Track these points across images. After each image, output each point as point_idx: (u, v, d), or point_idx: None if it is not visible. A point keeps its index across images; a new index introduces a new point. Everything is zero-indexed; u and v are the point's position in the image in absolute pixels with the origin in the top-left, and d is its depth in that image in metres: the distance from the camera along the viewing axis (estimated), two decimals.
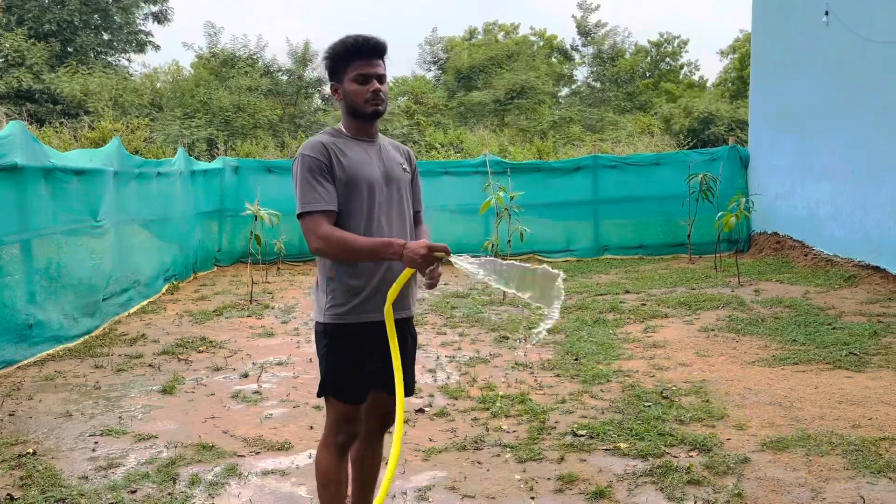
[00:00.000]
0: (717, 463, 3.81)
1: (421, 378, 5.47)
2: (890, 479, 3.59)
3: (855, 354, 5.67)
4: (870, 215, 8.55)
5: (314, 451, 4.02)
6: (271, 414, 4.73)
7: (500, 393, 5.06)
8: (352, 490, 2.95)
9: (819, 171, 9.75)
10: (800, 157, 10.31)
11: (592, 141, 18.91)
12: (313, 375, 5.55)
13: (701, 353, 5.98)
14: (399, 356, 2.61)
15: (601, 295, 8.60)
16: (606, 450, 4.06)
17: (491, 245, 9.34)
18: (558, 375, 5.49)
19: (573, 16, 36.51)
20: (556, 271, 2.41)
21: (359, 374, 2.65)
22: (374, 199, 2.62)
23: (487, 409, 4.73)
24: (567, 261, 11.41)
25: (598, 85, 35.60)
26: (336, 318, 2.62)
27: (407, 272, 2.54)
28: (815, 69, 9.86)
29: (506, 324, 7.19)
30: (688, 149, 21.10)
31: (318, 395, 2.75)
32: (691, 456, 3.94)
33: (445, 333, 6.90)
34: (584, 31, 35.42)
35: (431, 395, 5.07)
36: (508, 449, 4.08)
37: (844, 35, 8.91)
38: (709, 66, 73.37)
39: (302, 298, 8.75)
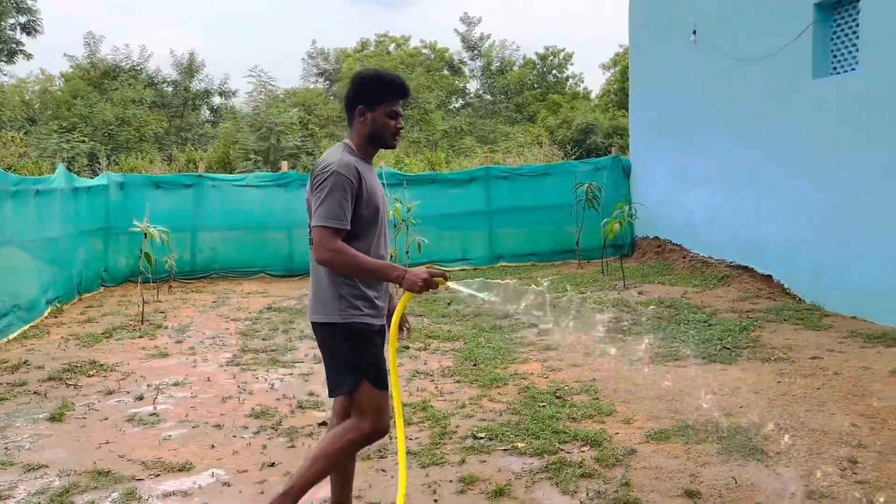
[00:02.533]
0: (607, 456, 4.07)
1: (323, 391, 5.50)
2: (758, 460, 3.95)
3: (728, 349, 6.15)
4: (739, 220, 9.25)
5: (217, 471, 4.02)
6: (170, 435, 4.65)
7: (403, 401, 5.16)
8: (336, 485, 3.18)
9: (694, 180, 10.45)
10: (676, 166, 11.02)
11: (484, 152, 19.38)
12: (212, 394, 5.48)
13: (590, 353, 6.31)
14: (396, 370, 2.95)
15: None
16: (505, 450, 4.25)
17: (389, 256, 9.44)
18: (458, 381, 5.65)
19: (456, 30, 37.21)
20: (543, 283, 2.68)
21: (383, 365, 2.92)
22: (381, 220, 2.93)
23: (391, 418, 4.82)
24: (464, 269, 11.68)
25: (489, 97, 36.44)
26: (353, 318, 2.84)
27: (407, 296, 2.82)
28: (687, 84, 10.58)
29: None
30: (574, 159, 21.96)
31: (336, 394, 3.00)
32: (583, 451, 4.18)
33: None
34: (470, 45, 36.19)
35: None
36: (412, 455, 4.19)
37: (711, 53, 9.62)
38: (593, 78, 76.51)
39: (196, 316, 8.55)
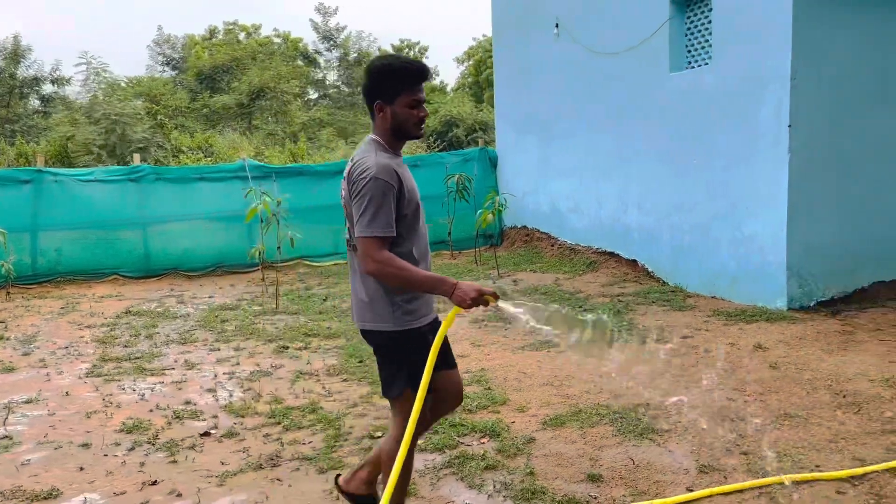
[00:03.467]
0: (508, 446, 4.05)
1: (201, 399, 5.14)
2: (651, 440, 4.08)
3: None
4: (603, 208, 9.63)
5: (90, 495, 3.61)
6: (28, 460, 4.14)
7: (290, 405, 4.92)
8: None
9: (560, 170, 10.77)
10: (542, 157, 11.30)
11: (345, 144, 19.10)
12: (72, 410, 4.96)
13: (476, 343, 6.32)
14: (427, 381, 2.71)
15: None
16: None
17: (258, 252, 9.03)
18: (346, 380, 5.47)
19: (311, 20, 36.47)
20: (605, 319, 2.56)
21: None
22: (421, 216, 2.84)
23: (279, 424, 4.58)
24: (336, 264, 11.39)
25: (347, 88, 35.98)
26: (407, 323, 2.78)
27: (455, 311, 2.69)
28: (551, 77, 10.86)
29: (284, 333, 7.00)
30: (438, 150, 22.09)
31: (390, 398, 2.89)
32: (483, 442, 4.15)
33: (219, 349, 6.54)
34: (326, 36, 35.56)
35: (215, 417, 4.78)
36: (307, 461, 3.98)
37: (574, 46, 9.92)
38: (447, 71, 77.63)
39: (44, 325, 7.76)
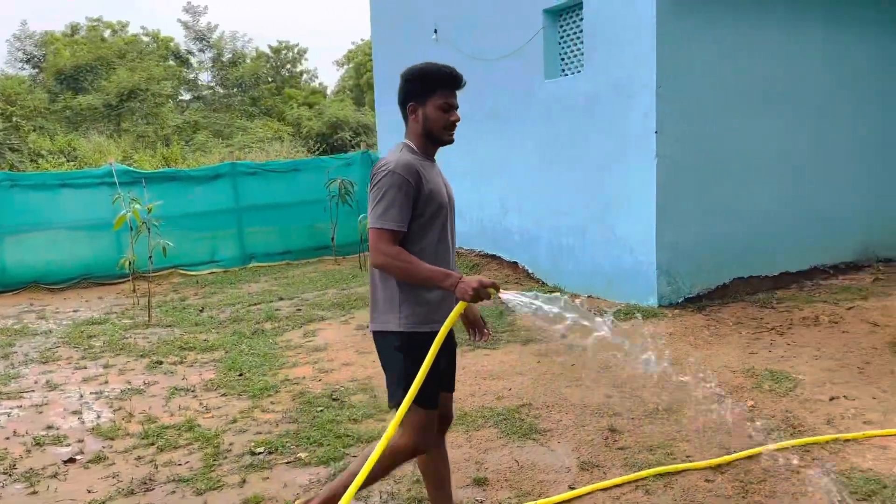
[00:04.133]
0: None
1: (64, 422, 4.79)
2: (534, 440, 4.17)
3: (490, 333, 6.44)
4: (484, 211, 9.78)
5: None
6: None
7: (165, 423, 4.67)
8: (433, 495, 3.05)
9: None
10: None
11: (222, 147, 18.46)
12: None
13: (361, 350, 6.24)
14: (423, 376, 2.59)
15: (255, 304, 8.45)
16: (288, 462, 4.01)
17: (128, 263, 8.55)
18: (225, 395, 5.25)
19: (179, 20, 35.08)
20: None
21: (436, 379, 2.70)
22: (445, 219, 2.77)
23: (153, 444, 4.33)
24: (213, 272, 10.97)
25: (222, 90, 34.82)
26: (413, 326, 2.69)
27: (460, 305, 2.59)
28: None
29: (157, 348, 6.65)
30: (319, 154, 21.77)
31: (395, 406, 2.69)
32: None
33: (86, 367, 6.13)
34: (198, 36, 34.27)
35: (81, 441, 4.46)
36: (184, 483, 3.79)
37: (453, 52, 10.03)
38: (327, 74, 76.68)
39: None
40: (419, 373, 2.56)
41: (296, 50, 40.57)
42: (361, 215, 9.83)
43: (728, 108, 7.17)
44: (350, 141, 23.62)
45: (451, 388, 3.03)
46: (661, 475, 3.65)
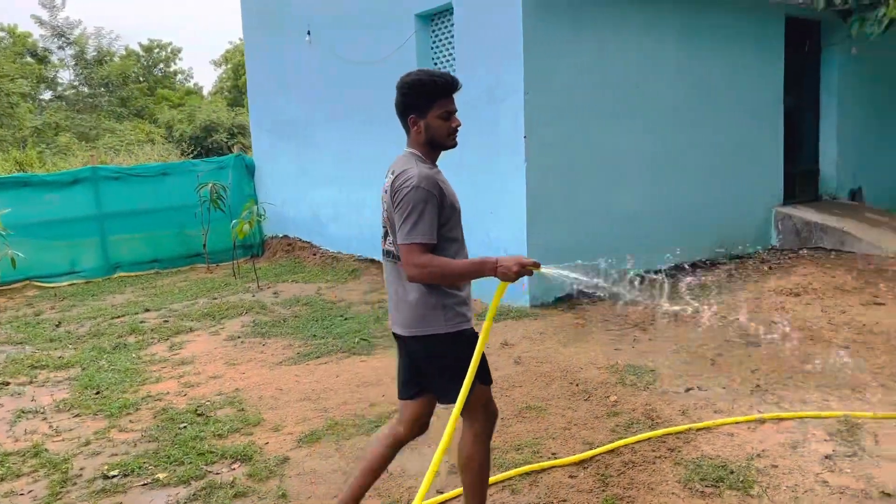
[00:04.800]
0: (259, 469, 3.89)
1: None
2: (412, 447, 4.13)
3: (365, 340, 6.38)
4: (363, 215, 9.70)
5: None
6: None
7: (7, 450, 4.31)
8: (356, 486, 3.09)
9: (318, 178, 10.68)
10: (300, 165, 11.14)
11: (86, 150, 17.40)
12: None
13: (230, 362, 6.02)
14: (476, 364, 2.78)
15: (118, 317, 7.98)
16: (144, 485, 3.80)
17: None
18: (78, 415, 4.91)
19: (33, 15, 32.83)
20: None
21: (486, 362, 2.92)
22: (460, 223, 2.89)
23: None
24: (73, 284, 10.28)
25: (86, 89, 32.84)
26: (458, 325, 2.81)
27: (502, 286, 2.73)
28: (306, 84, 10.74)
29: (4, 367, 6.14)
30: (192, 157, 20.96)
31: (450, 402, 2.82)
32: (234, 468, 3.94)
33: None
34: (57, 32, 32.13)
35: None
36: None
37: (327, 54, 9.90)
38: (203, 74, 74.04)
39: None
40: (474, 356, 2.76)
41: (169, 49, 38.91)
42: (234, 221, 9.51)
43: (593, 114, 7.44)
44: (226, 143, 22.85)
45: (486, 382, 3.11)
46: (526, 474, 3.72)
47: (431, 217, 2.70)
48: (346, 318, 7.21)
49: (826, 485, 3.44)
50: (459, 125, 2.88)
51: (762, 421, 4.21)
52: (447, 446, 2.73)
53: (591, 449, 3.95)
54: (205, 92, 39.95)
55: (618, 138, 7.65)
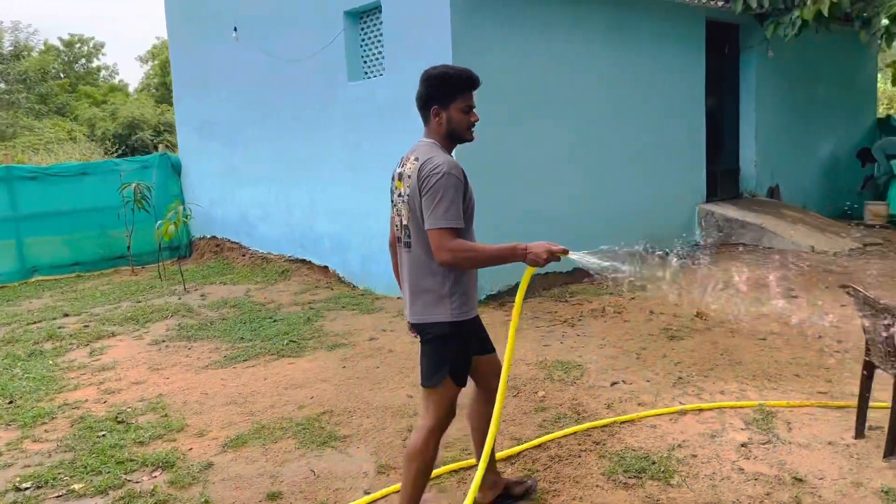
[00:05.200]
0: (182, 476, 3.79)
1: None
2: (333, 447, 4.10)
3: (294, 342, 6.28)
4: (293, 215, 9.56)
5: None
6: None
7: None
8: (476, 443, 3.39)
9: (247, 177, 10.47)
10: (229, 164, 10.90)
11: (1, 149, 16.65)
12: None
13: (154, 367, 5.84)
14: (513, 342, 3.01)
15: (35, 323, 7.65)
16: (59, 496, 3.66)
17: None
18: None
19: None
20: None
21: (471, 360, 3.07)
22: (474, 211, 2.96)
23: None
24: None
25: (3, 86, 31.37)
26: (461, 315, 2.90)
27: (530, 271, 2.84)
28: (233, 82, 10.51)
29: None
30: (116, 156, 20.28)
31: (431, 385, 2.97)
32: (155, 476, 3.82)
33: None
34: None
35: None
36: None
37: (255, 52, 9.71)
38: (130, 70, 71.75)
39: None
40: (509, 336, 2.98)
41: (91, 44, 37.55)
42: (159, 222, 9.23)
43: (523, 113, 7.52)
44: (152, 141, 22.18)
45: (489, 350, 3.26)
46: (454, 471, 3.73)
47: (458, 202, 2.78)
48: (275, 320, 7.09)
49: (742, 472, 3.56)
50: (478, 120, 2.98)
51: (683, 412, 4.33)
52: (498, 420, 3.00)
53: (518, 444, 3.99)
54: (131, 89, 38.71)
55: (547, 137, 7.75)
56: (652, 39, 8.82)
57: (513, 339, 2.98)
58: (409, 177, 2.87)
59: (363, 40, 8.21)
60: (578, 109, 8.06)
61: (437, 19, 6.94)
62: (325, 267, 9.06)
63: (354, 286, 8.48)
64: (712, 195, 9.89)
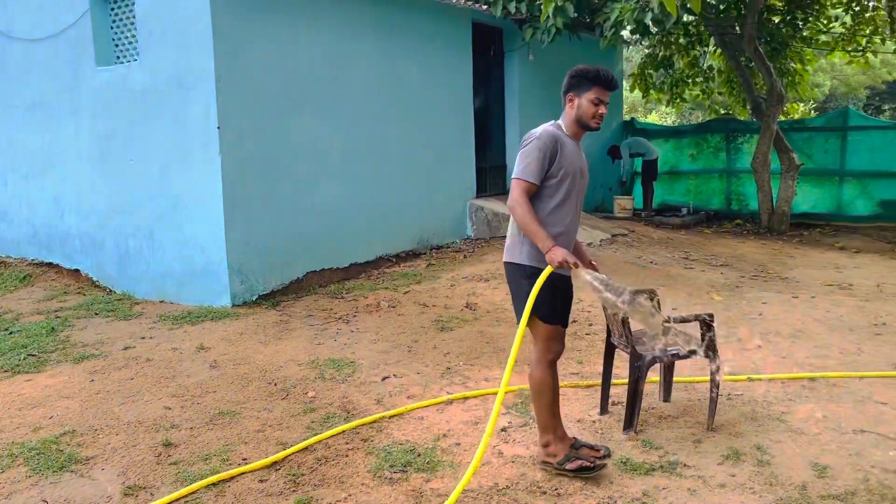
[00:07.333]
0: None
1: None
2: (72, 472, 3.66)
3: (34, 355, 5.57)
4: (36, 214, 8.51)
5: None
6: None
7: None
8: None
9: None
10: None
11: None
12: None
13: None
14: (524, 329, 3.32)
15: None
16: None
17: None
18: None
19: None
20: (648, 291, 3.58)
21: (559, 302, 3.43)
22: (573, 186, 3.40)
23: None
24: None
25: None
26: (529, 261, 3.37)
27: (548, 269, 3.24)
28: None
29: None
30: None
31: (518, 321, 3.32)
32: None
33: None
34: None
35: None
36: None
37: None
38: None
39: None
40: (534, 289, 3.25)
41: None
42: None
43: (291, 107, 7.31)
44: None
45: (566, 324, 3.53)
46: (213, 485, 3.49)
47: (540, 165, 3.28)
48: (10, 332, 6.24)
49: (501, 455, 3.70)
50: (605, 114, 3.38)
51: (449, 402, 4.43)
52: (513, 361, 3.25)
53: (284, 449, 3.83)
54: None
55: (317, 132, 7.60)
56: (422, 39, 9.00)
57: (523, 328, 3.27)
58: None
59: (114, 22, 7.49)
60: (349, 106, 7.99)
61: (196, 5, 6.51)
62: (77, 270, 8.16)
63: (111, 290, 7.73)
64: (482, 191, 10.34)
